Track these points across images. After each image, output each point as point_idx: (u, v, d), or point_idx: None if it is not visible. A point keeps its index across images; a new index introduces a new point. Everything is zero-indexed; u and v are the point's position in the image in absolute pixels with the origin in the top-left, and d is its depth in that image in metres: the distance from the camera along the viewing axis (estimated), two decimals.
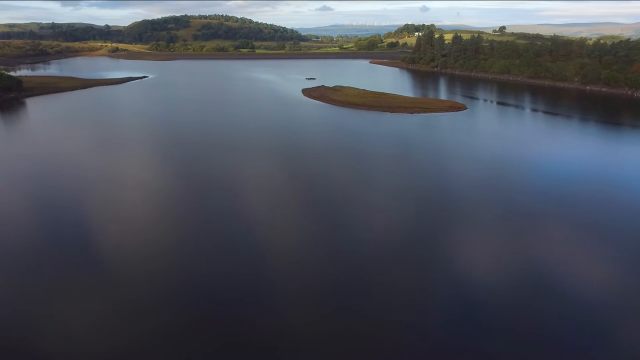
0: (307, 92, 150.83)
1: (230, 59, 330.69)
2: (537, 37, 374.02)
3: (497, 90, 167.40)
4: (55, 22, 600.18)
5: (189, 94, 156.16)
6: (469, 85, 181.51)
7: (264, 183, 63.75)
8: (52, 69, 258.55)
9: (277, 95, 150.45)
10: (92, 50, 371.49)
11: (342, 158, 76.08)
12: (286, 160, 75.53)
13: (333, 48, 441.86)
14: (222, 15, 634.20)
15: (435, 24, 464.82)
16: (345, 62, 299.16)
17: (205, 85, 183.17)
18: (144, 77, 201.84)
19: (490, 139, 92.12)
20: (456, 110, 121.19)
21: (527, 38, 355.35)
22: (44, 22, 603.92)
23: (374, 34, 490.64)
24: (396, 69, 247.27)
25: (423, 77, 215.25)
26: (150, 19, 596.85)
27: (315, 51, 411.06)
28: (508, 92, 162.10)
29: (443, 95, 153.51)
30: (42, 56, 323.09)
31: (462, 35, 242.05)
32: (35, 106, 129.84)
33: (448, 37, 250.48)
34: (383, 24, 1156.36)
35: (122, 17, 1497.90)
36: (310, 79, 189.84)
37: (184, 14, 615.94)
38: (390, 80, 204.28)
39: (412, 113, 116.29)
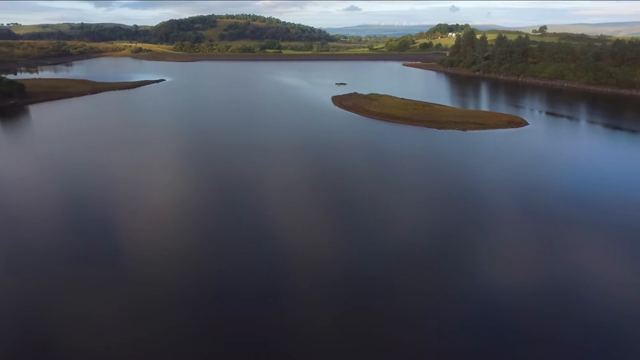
0: (337, 100, 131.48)
1: (256, 60, 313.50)
2: (582, 37, 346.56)
3: (553, 99, 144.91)
4: (84, 22, 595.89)
5: (205, 102, 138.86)
6: (518, 92, 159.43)
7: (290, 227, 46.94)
8: (71, 71, 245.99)
9: (304, 104, 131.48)
10: (115, 50, 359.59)
11: (385, 197, 56.53)
12: (315, 197, 56.41)
13: (362, 49, 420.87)
14: (249, 15, 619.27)
15: (461, 24, 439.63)
16: (376, 65, 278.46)
17: (225, 91, 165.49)
18: (161, 80, 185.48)
19: (583, 173, 70.77)
20: (516, 126, 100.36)
21: (571, 38, 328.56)
22: (76, 22, 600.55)
23: (402, 34, 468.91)
24: (432, 73, 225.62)
25: (464, 82, 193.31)
26: (177, 19, 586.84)
27: (344, 52, 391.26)
28: (567, 101, 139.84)
29: (491, 105, 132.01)
30: (64, 57, 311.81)
31: (506, 35, 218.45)
32: (31, 116, 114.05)
33: (491, 37, 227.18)
34: (411, 24, 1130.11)
35: (153, 17, 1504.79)
36: (341, 84, 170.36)
37: (211, 14, 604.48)
38: (428, 86, 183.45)
39: (464, 130, 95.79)
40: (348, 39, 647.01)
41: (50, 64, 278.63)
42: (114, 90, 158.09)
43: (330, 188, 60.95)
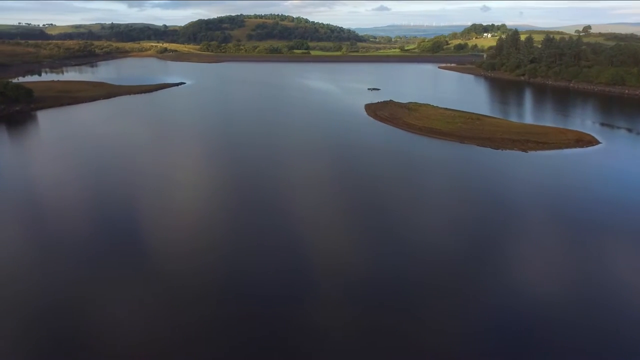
0: (371, 109, 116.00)
1: (283, 61, 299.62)
2: (632, 37, 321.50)
3: (617, 109, 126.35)
4: (115, 22, 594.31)
5: (225, 109, 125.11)
6: (572, 101, 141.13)
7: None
8: (93, 72, 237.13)
9: (334, 113, 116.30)
10: (141, 51, 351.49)
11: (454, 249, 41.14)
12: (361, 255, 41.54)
13: (393, 50, 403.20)
14: (277, 15, 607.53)
15: (496, 24, 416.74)
16: (409, 67, 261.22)
17: (247, 96, 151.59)
18: (181, 83, 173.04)
19: None
20: (586, 145, 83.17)
21: (619, 39, 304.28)
22: (107, 23, 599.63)
23: (433, 34, 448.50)
24: (470, 76, 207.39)
25: (507, 88, 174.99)
26: (205, 18, 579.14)
27: (374, 53, 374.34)
28: (636, 112, 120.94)
29: (546, 116, 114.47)
30: (89, 57, 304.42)
31: (554, 36, 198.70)
32: (34, 124, 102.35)
33: (537, 38, 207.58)
34: (442, 24, 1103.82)
35: (184, 17, 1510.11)
36: (373, 89, 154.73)
37: (239, 14, 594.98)
38: (468, 92, 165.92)
39: (525, 150, 79.19)
40: (377, 40, 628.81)
41: (75, 65, 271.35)
42: (130, 94, 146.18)
43: (372, 233, 45.75)
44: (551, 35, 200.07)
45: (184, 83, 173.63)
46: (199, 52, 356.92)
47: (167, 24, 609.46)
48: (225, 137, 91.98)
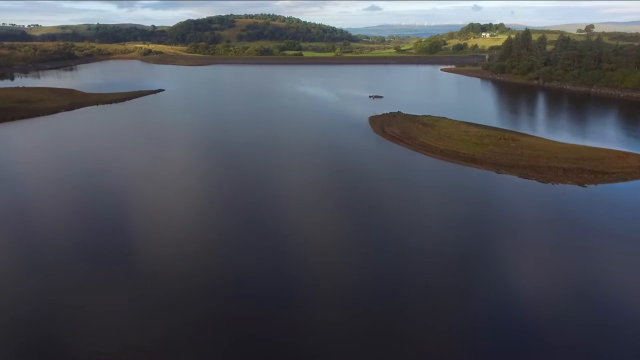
0: (378, 123, 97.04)
1: (274, 63, 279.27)
2: (636, 37, 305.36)
3: None
4: (103, 23, 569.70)
5: (205, 125, 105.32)
6: (600, 109, 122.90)
7: None
8: (68, 77, 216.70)
9: (334, 130, 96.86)
10: (125, 52, 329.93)
11: None
12: None
13: (388, 50, 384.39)
14: (268, 15, 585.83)
15: (494, 23, 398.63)
16: (408, 70, 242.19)
17: (234, 107, 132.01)
18: (160, 90, 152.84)
19: None
20: None
21: (624, 39, 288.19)
22: (93, 23, 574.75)
23: (428, 34, 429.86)
24: (476, 80, 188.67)
25: (522, 93, 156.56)
26: (194, 18, 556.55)
27: (369, 54, 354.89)
28: None
29: (583, 130, 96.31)
30: (68, 60, 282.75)
31: (570, 36, 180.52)
32: None
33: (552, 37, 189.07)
34: (433, 23, 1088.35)
35: (174, 18, 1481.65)
36: (375, 97, 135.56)
37: (229, 14, 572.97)
38: (482, 99, 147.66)
39: (582, 184, 60.54)
40: (370, 39, 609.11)
41: (50, 68, 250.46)
42: (98, 104, 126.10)
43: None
44: (567, 35, 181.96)
45: (163, 90, 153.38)
46: (186, 53, 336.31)
47: (157, 25, 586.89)
48: (203, 166, 72.36)
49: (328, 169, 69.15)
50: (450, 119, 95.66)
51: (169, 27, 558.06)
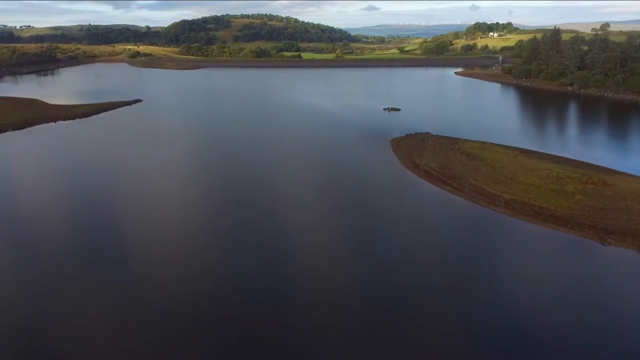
0: (404, 150, 73.90)
1: (271, 66, 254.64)
2: None
3: None
4: (92, 23, 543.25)
5: (184, 151, 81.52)
6: None
7: None
8: (41, 82, 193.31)
9: (346, 160, 73.20)
10: (112, 55, 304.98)
11: None
12: None
13: (391, 51, 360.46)
14: (265, 15, 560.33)
15: (487, 22, 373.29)
16: (417, 73, 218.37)
17: (221, 124, 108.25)
18: (137, 101, 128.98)
19: None
20: None
21: None
22: (85, 24, 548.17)
23: (423, 34, 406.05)
24: (496, 85, 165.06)
25: (556, 102, 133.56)
26: (189, 19, 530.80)
27: (371, 56, 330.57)
28: None
29: None
30: (48, 63, 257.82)
31: (609, 36, 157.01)
32: None
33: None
34: (431, 23, 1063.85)
35: (171, 18, 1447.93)
36: (391, 110, 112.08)
37: (225, 14, 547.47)
38: (517, 111, 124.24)
39: None
40: (370, 40, 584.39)
41: (27, 73, 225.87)
42: (58, 120, 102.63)
43: None
44: (604, 36, 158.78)
45: (141, 101, 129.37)
46: (177, 55, 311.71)
47: (154, 26, 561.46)
48: (173, 222, 48.95)
49: (345, 241, 45.67)
50: (500, 145, 72.45)
51: (163, 28, 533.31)
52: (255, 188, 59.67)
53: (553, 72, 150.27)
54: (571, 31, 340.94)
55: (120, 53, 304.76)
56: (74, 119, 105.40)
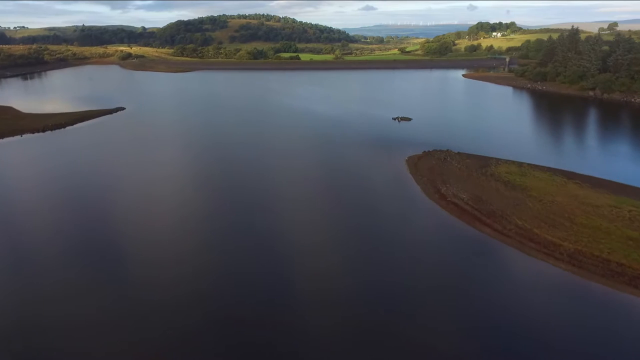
0: (423, 174, 61.37)
1: (268, 69, 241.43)
2: None
3: None
4: (92, 24, 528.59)
5: (163, 169, 68.53)
6: None
7: None
8: (21, 87, 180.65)
9: (353, 185, 60.48)
10: (103, 56, 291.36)
11: None
12: None
13: (392, 52, 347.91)
14: (262, 15, 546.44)
15: (489, 22, 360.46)
16: (422, 75, 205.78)
17: (208, 139, 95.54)
18: (119, 109, 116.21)
19: None
20: None
21: None
22: (84, 25, 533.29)
23: (422, 34, 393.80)
24: (508, 89, 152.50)
25: (577, 108, 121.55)
26: (185, 19, 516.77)
27: (371, 57, 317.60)
28: None
29: None
30: (36, 66, 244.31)
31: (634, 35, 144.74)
32: None
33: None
34: (428, 23, 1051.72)
35: (168, 19, 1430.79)
36: (402, 119, 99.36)
37: (222, 14, 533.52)
38: (542, 120, 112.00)
39: None
40: (369, 40, 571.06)
41: (12, 75, 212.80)
42: (22, 134, 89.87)
43: None
44: (627, 35, 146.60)
45: (123, 109, 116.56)
46: (171, 57, 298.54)
47: (150, 26, 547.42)
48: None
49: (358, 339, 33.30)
50: (540, 168, 59.87)
51: (158, 29, 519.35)
52: (250, 225, 47.15)
53: (572, 75, 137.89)
54: (557, 30, 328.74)
55: (112, 55, 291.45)
56: (44, 131, 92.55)
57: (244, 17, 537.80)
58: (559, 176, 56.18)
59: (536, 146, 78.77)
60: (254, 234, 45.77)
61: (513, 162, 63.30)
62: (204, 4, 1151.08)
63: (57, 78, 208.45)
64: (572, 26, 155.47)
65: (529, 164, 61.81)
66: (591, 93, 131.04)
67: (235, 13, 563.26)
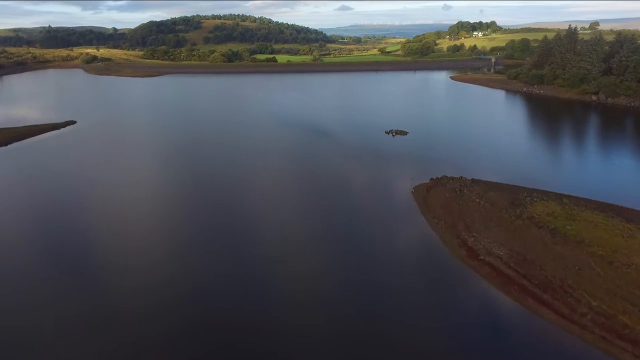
0: (437, 211, 47.85)
1: (243, 72, 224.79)
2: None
3: None
4: (61, 25, 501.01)
5: (109, 210, 52.90)
6: None
7: None
8: None
9: (351, 239, 46.11)
10: (66, 60, 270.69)
11: None
12: None
13: (371, 52, 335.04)
14: (238, 15, 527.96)
15: (469, 21, 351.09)
16: (407, 78, 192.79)
17: (168, 156, 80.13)
18: (69, 123, 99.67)
19: None
20: None
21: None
22: (50, 25, 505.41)
23: (398, 33, 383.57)
24: (500, 92, 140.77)
25: (583, 115, 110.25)
26: (158, 20, 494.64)
27: (351, 58, 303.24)
28: None
29: None
30: None
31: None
32: None
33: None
34: (404, 23, 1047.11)
35: (142, 20, 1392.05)
36: (396, 133, 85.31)
37: (196, 14, 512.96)
38: (553, 130, 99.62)
39: None
40: (346, 40, 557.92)
41: None
42: None
43: None
44: (629, 35, 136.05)
45: (74, 123, 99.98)
46: (141, 59, 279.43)
47: (124, 27, 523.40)
48: None
49: None
50: (586, 203, 46.49)
51: (130, 30, 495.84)
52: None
53: (572, 77, 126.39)
54: (538, 30, 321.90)
55: (76, 58, 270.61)
56: None
57: (219, 17, 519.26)
58: (616, 219, 42.92)
59: (560, 166, 66.10)
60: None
61: (548, 193, 49.89)
62: (179, 4, 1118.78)
63: (10, 84, 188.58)
64: (569, 26, 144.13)
65: (568, 197, 48.48)
66: (594, 97, 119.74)
67: (209, 14, 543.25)
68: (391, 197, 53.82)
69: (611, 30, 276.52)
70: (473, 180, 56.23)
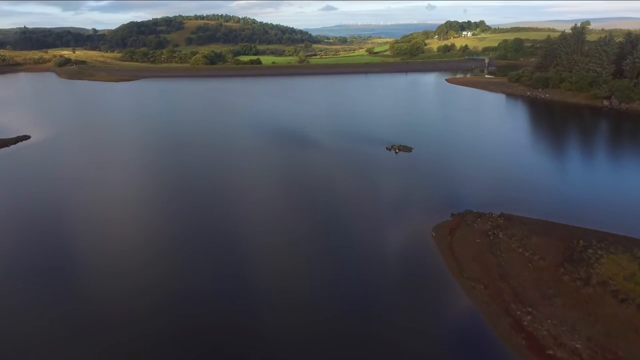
0: (471, 270, 36.58)
1: (225, 75, 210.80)
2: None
3: None
4: (28, 26, 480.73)
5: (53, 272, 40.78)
6: None
7: None
8: None
9: (355, 319, 34.45)
10: (39, 62, 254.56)
11: None
12: None
13: (358, 53, 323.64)
14: (221, 16, 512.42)
15: (442, 22, 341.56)
16: (399, 80, 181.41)
17: (128, 183, 67.72)
18: (24, 138, 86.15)
19: None
20: None
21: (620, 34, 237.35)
22: (25, 26, 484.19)
23: (383, 33, 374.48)
24: (501, 96, 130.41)
25: (599, 122, 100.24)
26: (138, 20, 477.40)
27: (338, 59, 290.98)
28: None
29: None
30: None
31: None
32: None
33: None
34: (388, 23, 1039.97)
35: (124, 21, 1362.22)
36: (399, 148, 73.52)
37: (178, 15, 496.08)
38: (572, 144, 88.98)
39: None
40: (332, 40, 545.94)
41: None
42: None
43: None
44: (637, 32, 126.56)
45: (28, 138, 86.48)
46: (119, 62, 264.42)
47: (104, 28, 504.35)
48: None
49: None
50: (625, 252, 35.17)
51: (110, 31, 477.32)
52: None
53: (580, 81, 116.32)
54: (529, 29, 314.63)
55: (49, 60, 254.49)
56: None
57: (202, 17, 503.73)
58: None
59: (606, 191, 54.88)
60: None
61: (607, 236, 38.57)
62: (161, 4, 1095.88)
63: None
64: (575, 25, 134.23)
65: (638, 243, 37.26)
66: (605, 102, 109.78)
67: (191, 14, 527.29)
68: (404, 243, 42.13)
69: (602, 29, 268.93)
70: (505, 218, 44.85)
